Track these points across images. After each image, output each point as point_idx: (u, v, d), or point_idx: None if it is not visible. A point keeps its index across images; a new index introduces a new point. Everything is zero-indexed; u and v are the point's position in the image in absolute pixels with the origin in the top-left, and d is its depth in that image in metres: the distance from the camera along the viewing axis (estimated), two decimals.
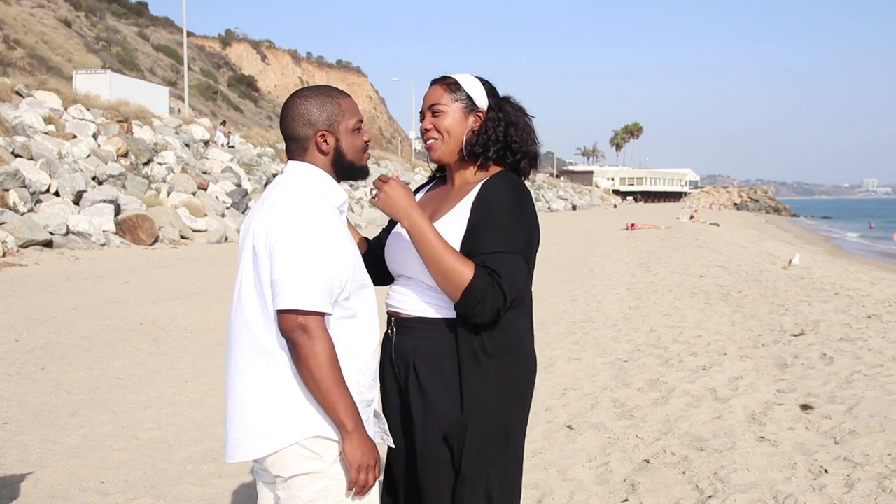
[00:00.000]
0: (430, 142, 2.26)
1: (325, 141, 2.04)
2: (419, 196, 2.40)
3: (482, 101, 2.26)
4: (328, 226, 1.95)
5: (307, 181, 2.02)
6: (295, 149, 2.07)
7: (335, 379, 1.90)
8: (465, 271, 2.03)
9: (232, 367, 2.02)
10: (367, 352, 2.05)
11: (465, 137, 2.23)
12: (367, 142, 2.15)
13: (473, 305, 2.03)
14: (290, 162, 2.07)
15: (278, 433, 1.94)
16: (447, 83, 2.26)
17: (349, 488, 1.96)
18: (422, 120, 2.28)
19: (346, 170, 2.09)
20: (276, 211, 1.95)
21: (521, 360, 2.18)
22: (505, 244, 2.07)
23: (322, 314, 1.90)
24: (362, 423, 1.95)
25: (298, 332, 1.87)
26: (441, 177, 2.42)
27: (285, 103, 2.10)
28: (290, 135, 2.07)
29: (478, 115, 2.25)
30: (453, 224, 2.16)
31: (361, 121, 2.12)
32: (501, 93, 2.32)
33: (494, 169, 2.26)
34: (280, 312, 1.89)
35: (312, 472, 1.94)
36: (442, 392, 2.12)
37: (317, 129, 2.04)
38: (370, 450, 1.95)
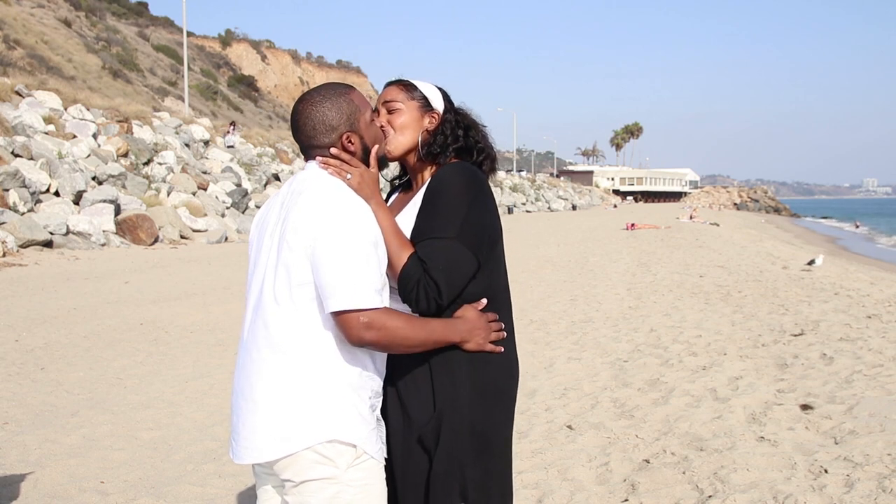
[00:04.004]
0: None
1: (351, 142, 2.03)
2: (388, 203, 2.35)
3: (438, 103, 2.26)
4: (370, 223, 1.94)
5: (340, 182, 2.00)
6: (320, 154, 2.03)
7: (424, 328, 1.95)
8: (402, 257, 2.01)
9: (247, 365, 1.96)
10: (382, 356, 2.02)
11: (420, 137, 2.22)
12: (383, 127, 2.15)
13: (407, 293, 2.01)
14: (315, 163, 2.04)
15: (293, 436, 1.88)
16: (403, 84, 2.26)
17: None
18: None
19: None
20: (317, 207, 1.90)
21: (497, 361, 2.13)
22: (439, 230, 2.03)
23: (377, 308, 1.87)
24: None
25: (367, 332, 1.84)
26: (405, 182, 2.39)
27: (297, 111, 2.03)
28: (313, 144, 2.02)
29: (433, 117, 2.25)
30: (409, 219, 2.13)
31: (375, 110, 2.12)
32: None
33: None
34: (338, 315, 1.85)
35: (325, 477, 1.90)
36: (415, 399, 2.08)
37: (340, 132, 2.01)
38: (482, 320, 2.05)
